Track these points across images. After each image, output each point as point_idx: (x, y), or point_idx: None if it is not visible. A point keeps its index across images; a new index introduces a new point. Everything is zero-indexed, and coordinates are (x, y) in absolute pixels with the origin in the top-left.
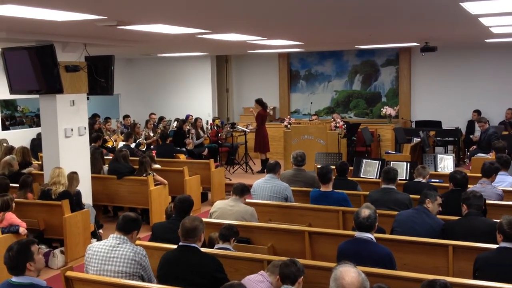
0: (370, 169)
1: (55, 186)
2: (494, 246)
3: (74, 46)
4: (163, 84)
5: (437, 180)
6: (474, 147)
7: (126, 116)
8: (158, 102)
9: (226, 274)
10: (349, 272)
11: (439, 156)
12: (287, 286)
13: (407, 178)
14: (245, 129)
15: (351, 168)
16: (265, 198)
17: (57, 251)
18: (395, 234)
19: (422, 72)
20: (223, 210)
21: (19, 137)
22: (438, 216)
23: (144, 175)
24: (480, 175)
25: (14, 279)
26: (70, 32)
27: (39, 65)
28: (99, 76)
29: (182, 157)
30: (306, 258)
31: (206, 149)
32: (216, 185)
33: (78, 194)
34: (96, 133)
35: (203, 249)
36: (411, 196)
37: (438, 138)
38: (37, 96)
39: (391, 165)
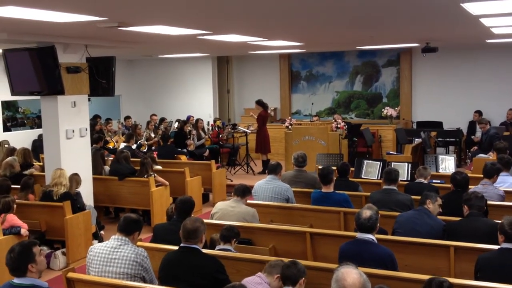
0: (371, 170)
1: (56, 187)
2: (496, 247)
3: (75, 48)
4: (164, 85)
5: (439, 181)
6: (475, 147)
7: (127, 117)
8: (159, 103)
9: (227, 275)
10: (351, 273)
11: (441, 156)
12: (288, 287)
13: (408, 179)
14: (246, 130)
15: (352, 169)
16: (266, 199)
17: (58, 252)
18: (396, 235)
19: (423, 72)
20: (225, 211)
21: (21, 139)
22: (439, 217)
23: (145, 176)
24: (482, 175)
25: (16, 280)
26: (71, 34)
27: (40, 66)
28: (100, 77)
29: (183, 158)
30: (307, 259)
31: (207, 150)
32: (217, 186)
33: (78, 195)
34: (98, 134)
35: (204, 250)
36: (413, 197)
37: (439, 139)
38: (38, 97)
39: (392, 166)
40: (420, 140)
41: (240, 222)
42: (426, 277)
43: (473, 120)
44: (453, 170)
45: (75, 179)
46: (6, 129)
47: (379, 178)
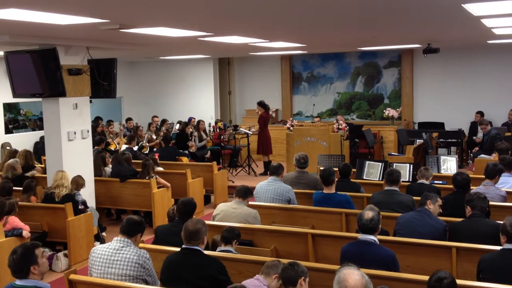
0: (373, 171)
1: (58, 189)
2: (498, 247)
3: (77, 50)
4: (166, 86)
5: (440, 182)
6: (477, 148)
7: (128, 119)
8: (160, 105)
9: (229, 276)
10: (353, 275)
11: (442, 157)
12: None
13: (410, 180)
14: (247, 131)
15: (354, 170)
16: (268, 200)
17: (60, 254)
18: (398, 237)
19: (425, 73)
20: (226, 212)
21: (22, 141)
22: (441, 218)
23: (147, 178)
24: (483, 176)
25: (18, 282)
26: (73, 36)
27: (42, 68)
28: (102, 79)
29: (185, 160)
30: (309, 260)
31: (209, 152)
32: (219, 187)
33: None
34: (99, 136)
35: (206, 252)
36: (414, 198)
37: (441, 140)
38: (40, 99)
39: (394, 167)
40: (422, 141)
41: (242, 223)
42: (428, 278)
43: (475, 120)
44: (455, 171)
45: (75, 180)
46: (8, 131)
47: (380, 179)
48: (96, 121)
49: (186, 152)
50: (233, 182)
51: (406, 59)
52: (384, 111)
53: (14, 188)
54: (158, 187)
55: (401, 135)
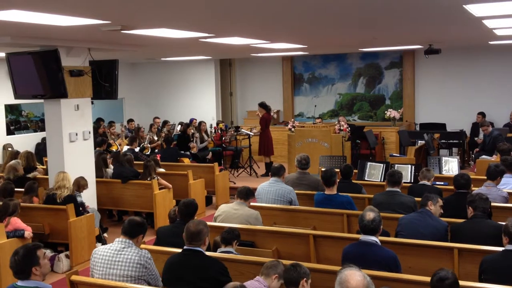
0: (374, 172)
1: (60, 190)
2: (500, 248)
3: (79, 51)
4: (167, 88)
5: (442, 183)
6: (477, 150)
7: (130, 120)
8: (162, 106)
9: (230, 278)
10: (354, 276)
11: (444, 158)
12: None
13: (412, 181)
14: (249, 132)
15: (355, 171)
16: (269, 201)
17: (62, 255)
18: (400, 238)
19: (426, 74)
20: (228, 213)
21: (24, 142)
22: (442, 218)
23: (148, 179)
24: (485, 177)
25: (20, 283)
26: (75, 37)
27: (44, 69)
28: (103, 81)
29: (186, 161)
30: (310, 261)
31: (210, 153)
32: (220, 188)
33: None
34: (101, 138)
35: (207, 253)
36: (416, 199)
37: (443, 141)
38: (41, 100)
39: (396, 168)
40: (423, 142)
41: (244, 224)
42: (429, 279)
43: (476, 121)
44: (457, 172)
45: (76, 181)
46: (9, 132)
47: (382, 180)
48: (97, 122)
49: (188, 153)
50: (234, 183)
51: (408, 60)
52: (386, 112)
53: (15, 189)
54: (160, 188)
55: (403, 136)
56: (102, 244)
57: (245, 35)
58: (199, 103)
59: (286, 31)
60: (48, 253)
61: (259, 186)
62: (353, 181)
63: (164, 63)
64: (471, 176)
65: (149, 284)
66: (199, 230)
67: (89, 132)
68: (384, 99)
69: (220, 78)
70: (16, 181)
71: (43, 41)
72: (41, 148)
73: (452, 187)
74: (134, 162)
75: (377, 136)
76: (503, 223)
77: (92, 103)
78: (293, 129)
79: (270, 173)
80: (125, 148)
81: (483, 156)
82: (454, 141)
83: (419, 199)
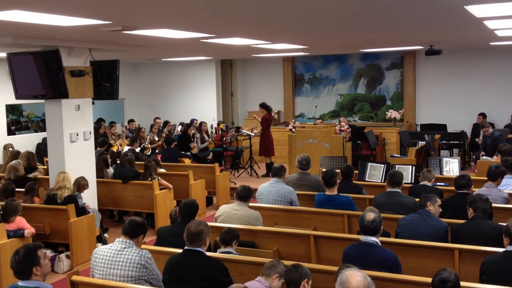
0: (375, 173)
1: (60, 191)
2: (501, 249)
3: (80, 51)
4: (168, 88)
5: (443, 184)
6: (483, 153)
7: (131, 121)
8: (163, 107)
9: (231, 278)
10: (355, 276)
11: (445, 159)
12: None
13: (413, 182)
14: (249, 133)
15: (356, 171)
16: (270, 202)
17: (62, 255)
18: (401, 238)
19: (427, 75)
20: (228, 214)
21: (25, 142)
22: (443, 219)
23: (149, 180)
24: (486, 178)
25: (21, 283)
26: (76, 37)
27: (45, 70)
28: (104, 81)
29: (187, 161)
30: (311, 262)
31: (211, 153)
32: (221, 189)
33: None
34: (102, 138)
35: (208, 253)
36: (417, 199)
37: (444, 141)
38: (42, 101)
39: (396, 169)
40: (424, 142)
41: (244, 225)
42: (430, 280)
43: (477, 122)
44: (457, 173)
45: (77, 182)
46: (10, 132)
47: (383, 181)
48: (98, 123)
49: (188, 153)
50: (235, 184)
51: (409, 61)
52: (386, 112)
53: (16, 189)
54: (160, 189)
55: (403, 136)
56: (103, 244)
57: (246, 35)
58: (200, 104)
59: (287, 31)
60: (49, 253)
61: (259, 186)
62: (353, 181)
63: (165, 63)
64: (472, 177)
65: (150, 284)
66: (200, 231)
67: (90, 133)
68: (385, 99)
69: (221, 78)
70: (17, 181)
71: (44, 41)
72: (42, 148)
73: (452, 187)
74: (135, 162)
75: (378, 137)
76: (504, 224)
77: (93, 103)
78: (293, 129)
79: (270, 174)
80: (126, 148)
81: (484, 157)
82: (455, 142)
83: None
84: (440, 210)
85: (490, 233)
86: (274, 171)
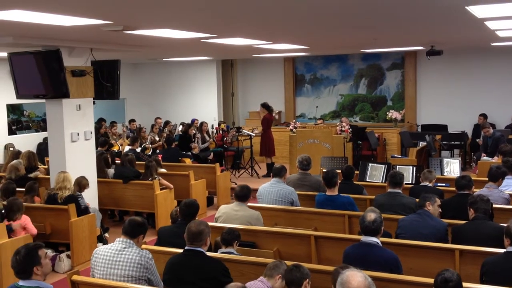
0: (376, 173)
1: (60, 191)
2: (501, 250)
3: (81, 51)
4: (169, 88)
5: (443, 184)
6: (484, 155)
7: (132, 121)
8: (163, 107)
9: (231, 278)
10: (356, 276)
11: (445, 160)
12: None
13: (413, 182)
14: (250, 133)
15: (356, 172)
16: (270, 202)
17: (63, 255)
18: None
19: (428, 75)
20: (228, 215)
21: (26, 142)
22: (444, 220)
23: (149, 179)
24: (487, 179)
25: (21, 283)
26: (77, 37)
27: (46, 69)
28: (105, 81)
29: (188, 161)
30: (312, 262)
31: (212, 153)
32: (221, 189)
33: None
34: (104, 138)
35: (208, 253)
36: (417, 200)
37: (444, 142)
38: (43, 100)
39: (397, 169)
40: (425, 143)
41: (245, 225)
42: (431, 280)
43: (478, 123)
44: (458, 174)
45: (78, 181)
46: (11, 132)
47: (383, 181)
48: (99, 123)
49: (189, 153)
50: (235, 184)
51: (409, 61)
52: (387, 113)
53: (17, 189)
54: (161, 189)
55: (404, 137)
56: (103, 244)
57: (247, 35)
58: (200, 104)
59: (287, 31)
60: (50, 253)
61: (260, 186)
62: (354, 182)
63: (166, 63)
64: (473, 178)
65: (150, 284)
66: (201, 231)
67: (91, 132)
68: (385, 100)
69: (221, 78)
70: (18, 181)
71: (45, 41)
72: (43, 148)
73: (453, 188)
74: (136, 162)
75: (379, 137)
76: (505, 225)
77: (94, 103)
78: (294, 130)
79: (271, 174)
80: (127, 148)
81: (484, 158)
82: (456, 142)
83: None
84: (440, 210)
85: (490, 234)
86: (275, 171)
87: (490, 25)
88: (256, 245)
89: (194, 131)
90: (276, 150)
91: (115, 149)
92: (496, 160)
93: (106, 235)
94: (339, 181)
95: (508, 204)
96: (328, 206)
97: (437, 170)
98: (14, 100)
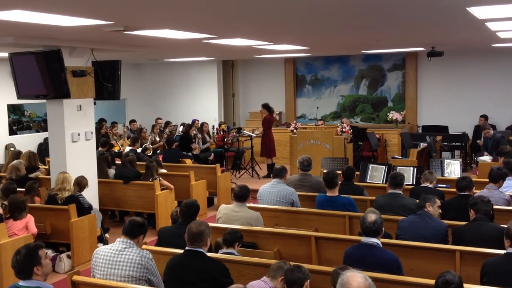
0: (376, 174)
1: (60, 193)
2: (502, 251)
3: (81, 51)
4: (170, 89)
5: (444, 185)
6: (486, 154)
7: (132, 121)
8: (164, 107)
9: (232, 279)
10: (356, 277)
11: (446, 161)
12: None
13: (414, 183)
14: (251, 133)
15: (357, 173)
16: (271, 203)
17: (63, 255)
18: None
19: (429, 76)
20: (228, 216)
21: (26, 142)
22: (444, 221)
23: (150, 180)
24: (487, 180)
25: (21, 283)
26: (77, 37)
27: (46, 70)
28: (106, 81)
29: (188, 162)
30: (312, 263)
31: (212, 154)
32: (222, 189)
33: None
34: (104, 138)
35: (209, 254)
36: (418, 201)
37: (445, 143)
38: (44, 101)
39: (398, 170)
40: (426, 144)
41: (245, 226)
42: (431, 281)
43: (479, 124)
44: (459, 175)
45: (78, 182)
46: (12, 132)
47: (384, 182)
48: (100, 123)
49: (190, 154)
50: (236, 185)
51: (410, 62)
52: (388, 114)
53: (18, 189)
54: (162, 189)
55: (405, 138)
56: (104, 245)
57: (247, 35)
58: (201, 104)
59: (287, 31)
60: (50, 253)
61: (261, 187)
62: (355, 183)
63: (167, 64)
64: (473, 179)
65: (150, 285)
66: (201, 231)
67: (91, 133)
68: (386, 101)
69: (222, 79)
70: (18, 181)
71: (46, 41)
72: (43, 148)
73: (454, 189)
74: (137, 162)
75: (379, 138)
76: (505, 226)
77: (95, 103)
78: (295, 130)
79: (272, 175)
80: (127, 148)
81: (481, 157)
82: (457, 143)
83: None
84: (440, 211)
85: (491, 235)
86: (275, 172)
87: (491, 26)
88: (257, 245)
89: (194, 132)
90: (276, 151)
91: (116, 149)
92: (490, 160)
93: (107, 235)
94: (340, 182)
95: (509, 205)
96: (328, 207)
97: (437, 171)
98: (15, 100)
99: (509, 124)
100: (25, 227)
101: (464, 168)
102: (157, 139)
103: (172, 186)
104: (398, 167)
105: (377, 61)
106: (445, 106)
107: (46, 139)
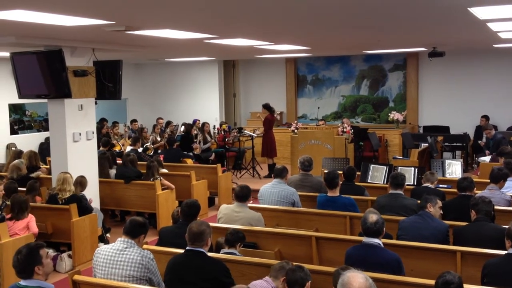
0: (377, 174)
1: (60, 193)
2: (503, 252)
3: (83, 51)
4: (171, 88)
5: (445, 186)
6: (488, 152)
7: (133, 121)
8: (165, 107)
9: (232, 279)
10: (357, 278)
11: (447, 161)
12: None
13: (415, 184)
14: (252, 133)
15: (358, 173)
16: (272, 203)
17: (64, 255)
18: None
19: (430, 77)
20: (229, 216)
21: (28, 141)
22: (445, 221)
23: (151, 180)
24: (488, 180)
25: (22, 282)
26: (79, 37)
27: (48, 69)
28: (107, 81)
29: (189, 162)
30: (313, 263)
31: (213, 154)
32: (223, 189)
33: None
34: (106, 138)
35: (209, 254)
36: (419, 201)
37: (446, 144)
38: (45, 100)
39: (399, 170)
40: (427, 144)
41: (246, 226)
42: (432, 282)
43: (480, 124)
44: (460, 175)
45: (79, 182)
46: (13, 132)
47: (385, 183)
48: (101, 123)
49: (191, 154)
50: (237, 184)
51: (411, 63)
52: (389, 114)
53: (19, 188)
54: (163, 189)
55: (406, 138)
56: (105, 244)
57: (247, 35)
58: (202, 104)
59: (287, 31)
60: (51, 252)
61: (262, 187)
62: (356, 183)
63: (168, 64)
64: (474, 179)
65: (151, 284)
66: (202, 231)
67: (93, 132)
68: (387, 101)
69: (223, 79)
70: (20, 180)
71: (47, 41)
72: (45, 147)
73: (455, 190)
74: (138, 162)
75: (381, 139)
76: (506, 227)
77: (96, 103)
78: (296, 130)
79: (273, 175)
80: (128, 148)
81: (482, 158)
82: (458, 144)
83: None
84: (441, 211)
85: (492, 236)
86: (276, 172)
87: (493, 26)
88: (257, 245)
89: (195, 132)
90: (277, 151)
91: (117, 149)
92: (488, 160)
93: (108, 235)
94: (341, 182)
95: (510, 205)
96: (329, 207)
97: (438, 172)
98: (16, 100)
99: (510, 124)
100: (26, 227)
101: (465, 169)
102: (158, 139)
103: (173, 186)
104: (399, 168)
105: (378, 61)
106: (446, 106)
107: (47, 139)
